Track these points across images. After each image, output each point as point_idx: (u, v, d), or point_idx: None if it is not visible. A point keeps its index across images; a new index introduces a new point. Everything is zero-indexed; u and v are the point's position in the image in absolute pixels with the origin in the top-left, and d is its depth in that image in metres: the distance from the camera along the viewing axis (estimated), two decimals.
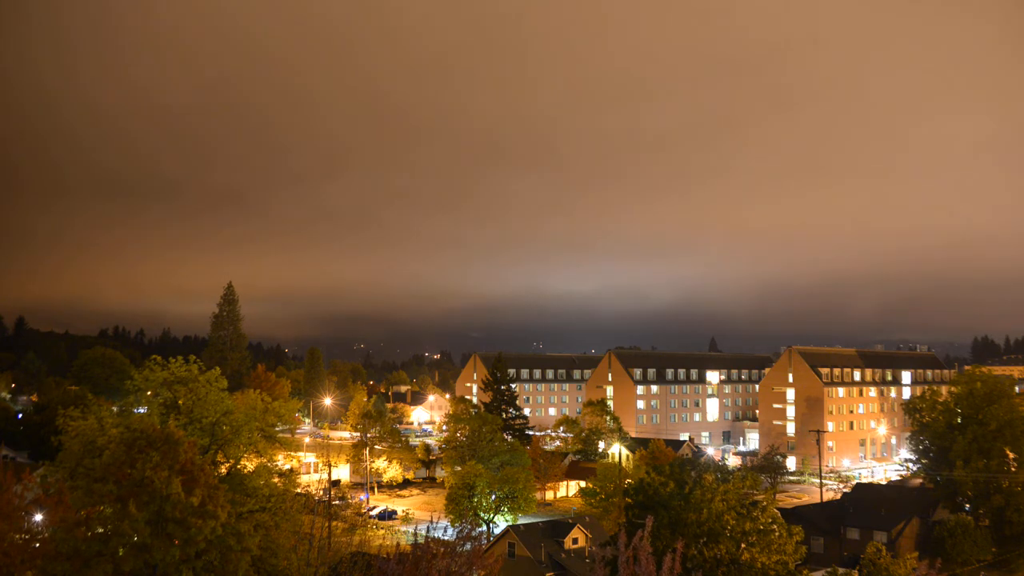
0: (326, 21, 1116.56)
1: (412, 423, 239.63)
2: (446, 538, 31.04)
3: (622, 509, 73.67)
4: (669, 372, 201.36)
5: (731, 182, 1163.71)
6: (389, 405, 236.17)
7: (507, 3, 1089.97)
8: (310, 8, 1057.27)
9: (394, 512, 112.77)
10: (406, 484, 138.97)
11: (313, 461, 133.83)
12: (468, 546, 29.89)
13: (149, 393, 65.15)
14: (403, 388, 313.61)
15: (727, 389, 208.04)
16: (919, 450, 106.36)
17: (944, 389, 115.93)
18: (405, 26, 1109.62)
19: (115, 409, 75.94)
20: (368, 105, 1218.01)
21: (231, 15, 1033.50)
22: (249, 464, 60.80)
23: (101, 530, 42.49)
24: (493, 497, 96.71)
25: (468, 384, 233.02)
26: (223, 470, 58.59)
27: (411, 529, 56.29)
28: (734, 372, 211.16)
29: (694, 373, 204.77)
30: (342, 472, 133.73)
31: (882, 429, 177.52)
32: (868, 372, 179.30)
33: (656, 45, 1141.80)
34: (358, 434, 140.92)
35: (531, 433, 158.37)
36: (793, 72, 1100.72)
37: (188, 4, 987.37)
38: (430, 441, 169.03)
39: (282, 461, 76.52)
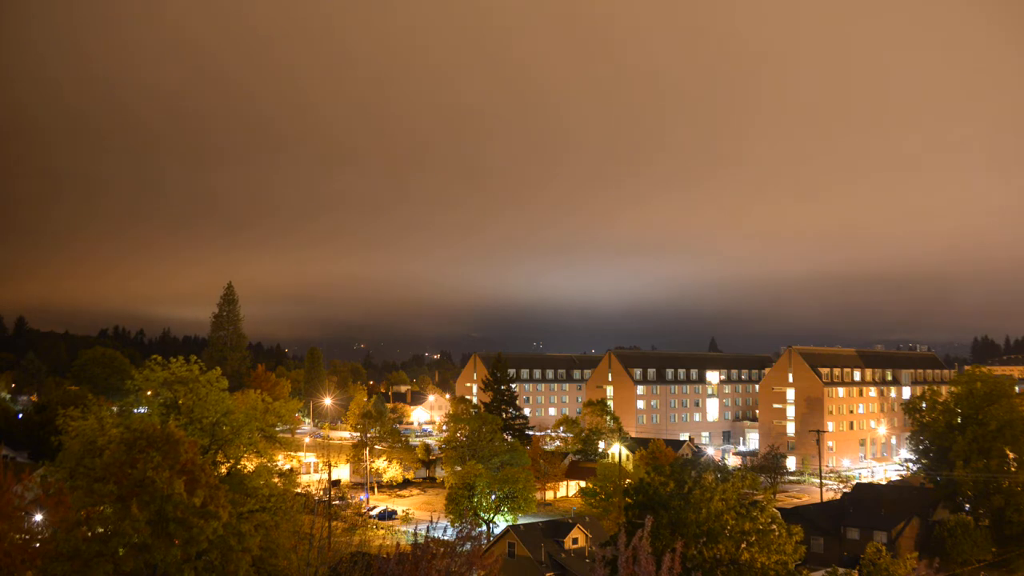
0: (328, 23, 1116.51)
1: (412, 423, 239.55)
2: (446, 538, 31.07)
3: (622, 509, 73.65)
4: (669, 372, 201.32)
5: (732, 183, 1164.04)
6: (389, 405, 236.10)
7: (506, 6, 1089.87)
8: (320, 17, 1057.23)
9: (394, 512, 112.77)
10: (406, 484, 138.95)
11: (313, 461, 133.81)
12: (468, 546, 29.93)
13: (149, 393, 65.20)
14: (403, 388, 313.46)
15: (727, 389, 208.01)
16: (919, 450, 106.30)
17: (944, 389, 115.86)
18: (407, 29, 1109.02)
19: (115, 409, 75.95)
20: (369, 106, 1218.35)
21: (233, 16, 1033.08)
22: (249, 464, 60.84)
23: (101, 530, 42.55)
24: (493, 497, 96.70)
25: (468, 384, 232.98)
26: (223, 470, 58.64)
27: (411, 529, 56.30)
28: (734, 372, 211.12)
29: (694, 373, 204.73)
30: (342, 472, 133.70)
31: (882, 429, 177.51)
32: (868, 372, 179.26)
33: (658, 47, 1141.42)
34: (358, 434, 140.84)
35: (531, 433, 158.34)
36: (793, 76, 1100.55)
37: (203, 14, 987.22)
38: (430, 441, 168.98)
39: (282, 461, 76.58)
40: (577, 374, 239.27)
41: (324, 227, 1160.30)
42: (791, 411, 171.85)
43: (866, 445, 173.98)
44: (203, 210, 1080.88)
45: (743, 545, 56.68)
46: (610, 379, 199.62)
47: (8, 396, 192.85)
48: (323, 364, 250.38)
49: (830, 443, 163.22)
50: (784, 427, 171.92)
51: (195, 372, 60.91)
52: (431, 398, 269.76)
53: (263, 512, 53.66)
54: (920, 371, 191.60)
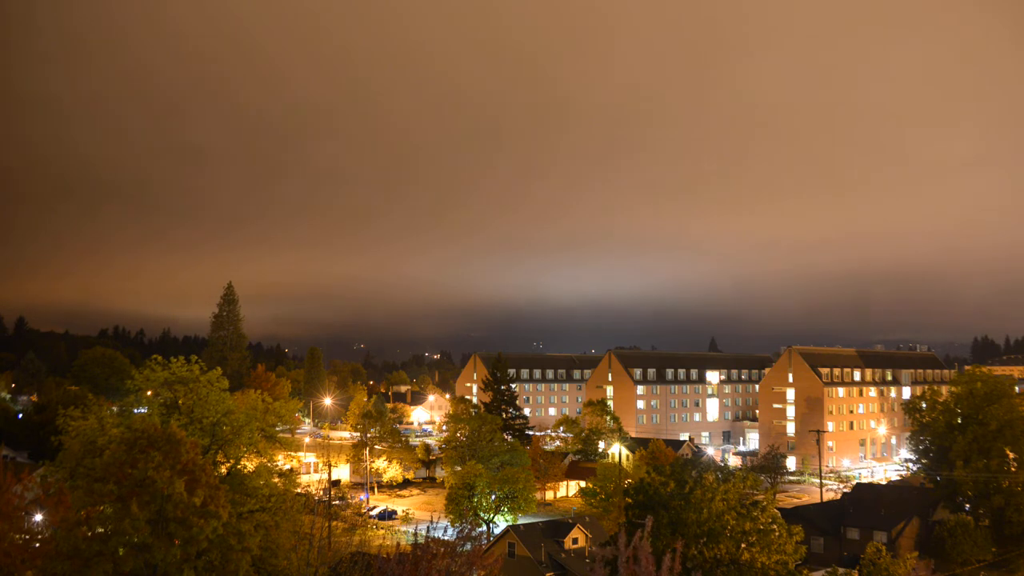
0: (326, 27, 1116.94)
1: (412, 423, 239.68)
2: (446, 538, 31.07)
3: (622, 509, 73.70)
4: (669, 372, 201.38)
5: (732, 182, 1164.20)
6: (389, 405, 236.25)
7: (509, 9, 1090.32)
8: (312, 15, 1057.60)
9: (394, 512, 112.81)
10: (406, 484, 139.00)
11: (313, 461, 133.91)
12: (468, 546, 29.98)
13: (149, 393, 65.27)
14: (403, 388, 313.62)
15: (727, 389, 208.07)
16: (919, 450, 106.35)
17: (944, 389, 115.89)
18: (404, 28, 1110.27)
19: (115, 409, 76.04)
20: (365, 107, 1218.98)
21: (234, 21, 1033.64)
22: (249, 464, 60.88)
23: (101, 530, 42.57)
24: (493, 497, 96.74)
25: (468, 384, 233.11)
26: (223, 470, 58.66)
27: (411, 529, 56.39)
28: (734, 372, 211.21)
29: (694, 373, 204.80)
30: (342, 472, 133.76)
31: (882, 429, 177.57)
32: (868, 372, 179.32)
33: (656, 46, 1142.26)
34: (358, 434, 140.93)
35: (531, 433, 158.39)
36: (793, 75, 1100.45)
37: (195, 11, 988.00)
38: (430, 441, 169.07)
39: (282, 461, 76.59)
40: (577, 374, 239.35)
41: (324, 227, 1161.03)
42: (791, 411, 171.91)
43: (866, 445, 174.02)
44: (202, 210, 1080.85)
45: (743, 545, 56.72)
46: (610, 379, 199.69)
47: (8, 396, 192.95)
48: (323, 364, 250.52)
49: (830, 443, 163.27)
50: (784, 427, 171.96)
51: (195, 372, 60.96)
52: (431, 398, 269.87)
53: (263, 512, 53.69)
54: (920, 371, 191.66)
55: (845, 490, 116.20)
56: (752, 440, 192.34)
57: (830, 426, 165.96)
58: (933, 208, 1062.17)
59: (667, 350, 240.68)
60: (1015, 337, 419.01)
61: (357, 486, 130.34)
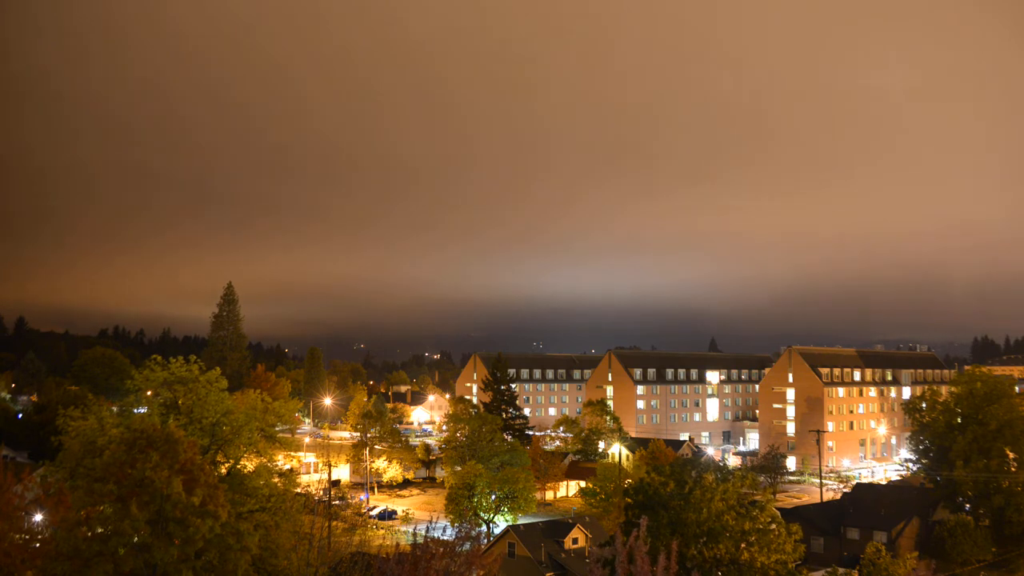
0: (327, 27, 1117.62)
1: (412, 423, 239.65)
2: (446, 538, 31.04)
3: (622, 509, 73.67)
4: (669, 372, 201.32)
5: (731, 183, 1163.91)
6: (389, 405, 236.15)
7: (509, 12, 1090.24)
8: (311, 14, 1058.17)
9: (394, 512, 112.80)
10: (406, 484, 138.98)
11: (313, 461, 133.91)
12: (468, 546, 29.93)
13: (149, 393, 65.30)
14: (403, 388, 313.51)
15: (727, 389, 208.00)
16: (919, 450, 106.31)
17: (944, 389, 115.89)
18: (402, 31, 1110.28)
19: (115, 409, 76.01)
20: (365, 107, 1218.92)
21: (234, 19, 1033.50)
22: (249, 464, 60.87)
23: (101, 530, 42.56)
24: (493, 497, 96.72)
25: (468, 384, 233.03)
26: (223, 470, 58.66)
27: (411, 529, 56.35)
28: (734, 372, 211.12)
29: (694, 373, 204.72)
30: (342, 472, 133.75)
31: (882, 429, 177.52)
32: (868, 372, 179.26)
33: (656, 46, 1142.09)
34: (358, 434, 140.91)
35: (531, 433, 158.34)
36: (794, 76, 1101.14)
37: (193, 9, 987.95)
38: (430, 441, 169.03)
39: (282, 461, 76.59)
40: (577, 374, 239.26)
41: (324, 227, 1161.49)
42: (791, 411, 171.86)
43: (866, 445, 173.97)
44: (203, 210, 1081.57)
45: (743, 545, 56.69)
46: (610, 379, 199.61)
47: (8, 396, 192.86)
48: (323, 364, 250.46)
49: (830, 443, 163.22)
50: (784, 427, 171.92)
51: (195, 372, 60.97)
52: (431, 398, 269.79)
53: (263, 512, 53.69)
54: (920, 371, 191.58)
55: (845, 490, 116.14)
56: (752, 440, 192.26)
57: (830, 426, 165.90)
58: (933, 208, 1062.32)
59: (667, 350, 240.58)
60: (1015, 337, 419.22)
61: (357, 486, 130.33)
